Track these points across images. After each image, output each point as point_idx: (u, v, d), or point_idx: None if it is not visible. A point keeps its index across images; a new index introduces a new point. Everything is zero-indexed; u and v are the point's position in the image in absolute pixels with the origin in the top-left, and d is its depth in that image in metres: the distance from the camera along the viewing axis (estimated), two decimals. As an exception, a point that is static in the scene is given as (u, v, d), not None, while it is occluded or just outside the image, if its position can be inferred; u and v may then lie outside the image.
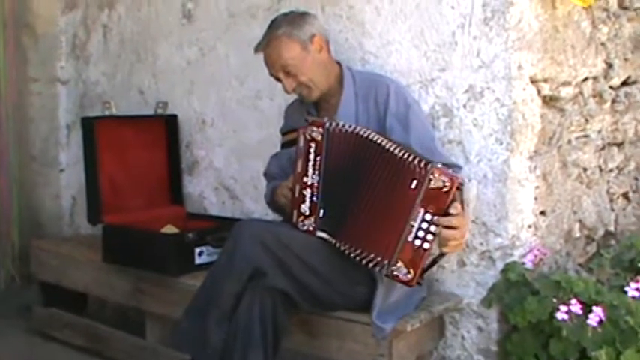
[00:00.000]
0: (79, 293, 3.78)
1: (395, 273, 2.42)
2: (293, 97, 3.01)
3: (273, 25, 2.80)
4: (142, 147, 3.81)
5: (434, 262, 2.52)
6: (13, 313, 4.12)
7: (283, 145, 3.00)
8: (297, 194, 2.60)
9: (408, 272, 2.40)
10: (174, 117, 3.87)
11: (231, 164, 3.68)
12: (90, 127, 3.58)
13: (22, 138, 4.66)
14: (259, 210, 3.49)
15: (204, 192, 3.84)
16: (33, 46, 4.65)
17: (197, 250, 3.18)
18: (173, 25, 3.91)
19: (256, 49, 2.83)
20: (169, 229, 3.45)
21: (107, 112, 3.67)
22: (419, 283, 2.47)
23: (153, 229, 3.42)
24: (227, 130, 3.69)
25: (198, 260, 3.19)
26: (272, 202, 2.95)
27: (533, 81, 2.81)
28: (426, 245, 2.38)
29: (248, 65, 3.52)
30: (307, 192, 2.58)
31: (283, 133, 3.02)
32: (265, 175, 3.08)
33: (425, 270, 2.48)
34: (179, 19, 3.87)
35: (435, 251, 2.48)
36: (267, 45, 2.77)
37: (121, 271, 3.36)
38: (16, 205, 4.60)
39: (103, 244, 3.42)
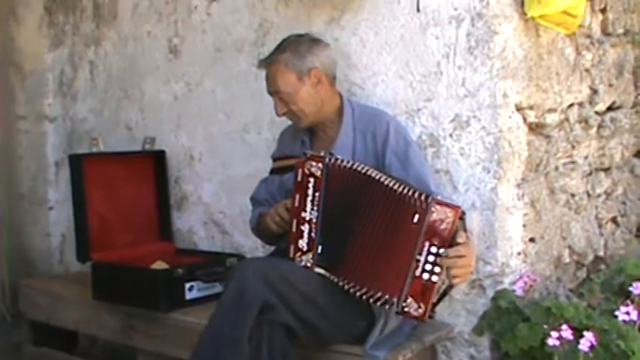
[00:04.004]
0: (69, 331, 3.74)
1: (406, 309, 2.39)
2: (280, 128, 3.05)
3: (281, 46, 2.80)
4: (130, 183, 3.80)
5: (444, 293, 2.46)
6: (4, 353, 4.09)
7: (273, 171, 2.98)
8: (294, 229, 2.56)
9: (419, 307, 2.38)
10: (162, 152, 3.87)
11: (220, 199, 3.68)
12: (78, 164, 3.57)
13: (11, 176, 4.66)
14: (249, 244, 3.48)
15: (193, 227, 3.83)
16: (20, 83, 4.66)
17: (187, 285, 3.16)
18: (160, 61, 3.92)
19: (259, 65, 2.85)
20: (160, 264, 3.42)
21: (95, 149, 3.67)
22: (431, 317, 2.44)
23: (142, 265, 3.39)
24: (215, 165, 3.69)
25: (188, 296, 3.16)
26: (257, 228, 2.94)
27: (519, 109, 2.83)
28: (435, 278, 2.36)
29: (235, 99, 3.53)
30: (305, 227, 2.54)
31: (275, 159, 3.01)
32: (252, 199, 3.05)
33: (435, 304, 2.43)
34: (165, 54, 3.88)
35: (444, 283, 2.45)
36: (268, 64, 2.79)
37: (111, 308, 3.33)
38: (6, 244, 4.57)
39: (93, 282, 3.38)
